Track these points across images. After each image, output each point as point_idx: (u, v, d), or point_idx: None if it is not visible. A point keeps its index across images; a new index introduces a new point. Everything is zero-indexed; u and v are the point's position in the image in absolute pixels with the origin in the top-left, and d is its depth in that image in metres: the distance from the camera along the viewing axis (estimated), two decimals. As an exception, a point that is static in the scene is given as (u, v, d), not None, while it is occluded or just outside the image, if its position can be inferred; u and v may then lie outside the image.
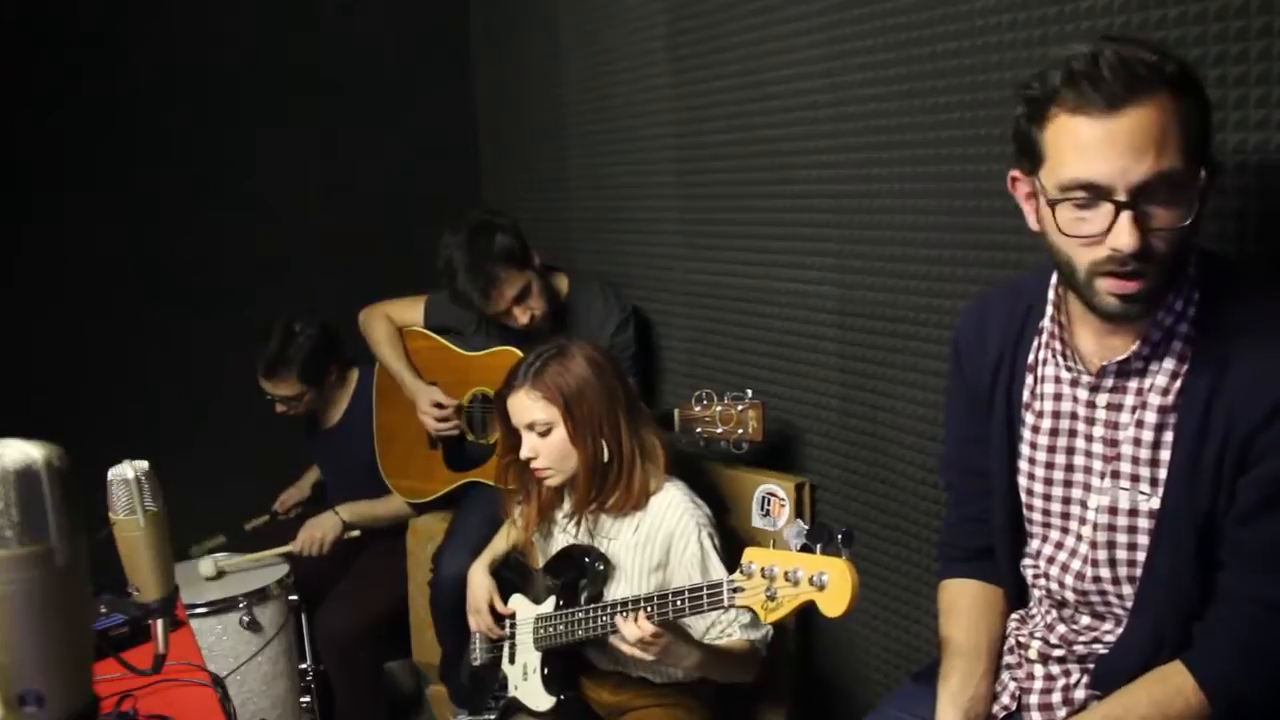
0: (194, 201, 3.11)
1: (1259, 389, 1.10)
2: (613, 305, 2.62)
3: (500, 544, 2.17)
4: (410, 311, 2.78)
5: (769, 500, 2.21)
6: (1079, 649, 1.33)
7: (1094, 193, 1.08)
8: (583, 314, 2.61)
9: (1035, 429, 1.33)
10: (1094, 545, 1.27)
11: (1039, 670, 1.36)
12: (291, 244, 3.28)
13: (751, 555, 1.44)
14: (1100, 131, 1.06)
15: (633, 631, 1.61)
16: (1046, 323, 1.31)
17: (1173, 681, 1.17)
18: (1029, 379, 1.34)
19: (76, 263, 2.96)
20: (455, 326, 2.72)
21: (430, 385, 2.66)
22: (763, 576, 1.40)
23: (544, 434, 1.87)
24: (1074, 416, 1.29)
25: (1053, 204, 1.13)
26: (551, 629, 1.89)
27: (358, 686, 2.76)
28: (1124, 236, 1.07)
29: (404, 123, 3.47)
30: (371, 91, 3.40)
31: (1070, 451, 1.30)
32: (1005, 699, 1.38)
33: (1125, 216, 1.07)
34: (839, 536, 1.33)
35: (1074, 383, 1.28)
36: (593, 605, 1.80)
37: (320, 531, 2.76)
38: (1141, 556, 1.23)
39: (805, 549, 1.36)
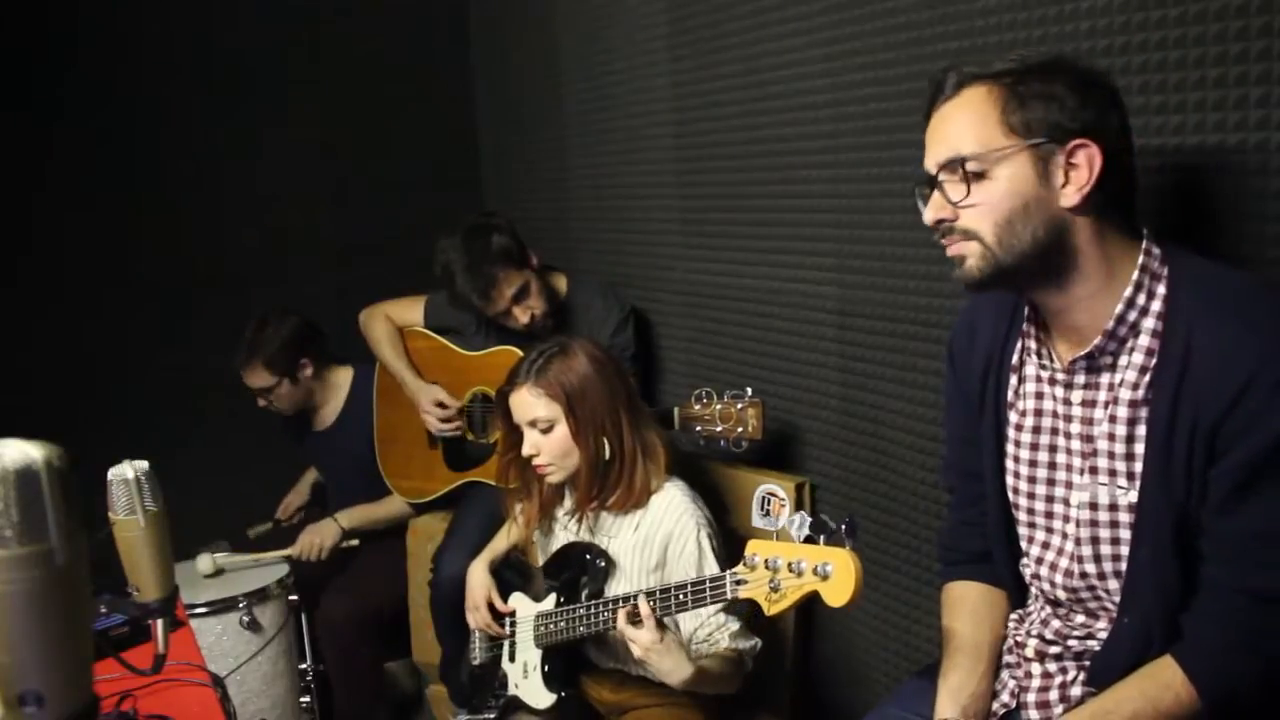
0: (194, 202, 3.12)
1: (1221, 376, 1.11)
2: (612, 305, 2.61)
3: (501, 542, 2.18)
4: (410, 311, 2.78)
5: (769, 500, 2.21)
6: (1075, 646, 1.33)
7: None
8: (582, 313, 2.61)
9: (1019, 428, 1.34)
10: (1078, 542, 1.27)
11: (1036, 668, 1.37)
12: (292, 244, 3.29)
13: (755, 547, 1.44)
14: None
15: (631, 615, 1.61)
16: (1025, 323, 1.32)
17: (1163, 676, 1.18)
18: (1013, 379, 1.35)
19: (77, 263, 2.97)
20: (455, 326, 2.72)
21: (432, 385, 2.67)
22: (766, 568, 1.40)
23: (546, 431, 1.87)
24: (1054, 415, 1.30)
25: None
26: (552, 626, 1.89)
27: (358, 686, 2.76)
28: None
29: (404, 123, 3.47)
30: (371, 91, 3.40)
31: (1052, 449, 1.31)
32: (1004, 697, 1.38)
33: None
34: (842, 527, 1.33)
35: (1051, 381, 1.29)
36: (594, 601, 1.80)
37: (320, 538, 2.77)
38: (1125, 551, 1.23)
39: (809, 540, 1.36)
